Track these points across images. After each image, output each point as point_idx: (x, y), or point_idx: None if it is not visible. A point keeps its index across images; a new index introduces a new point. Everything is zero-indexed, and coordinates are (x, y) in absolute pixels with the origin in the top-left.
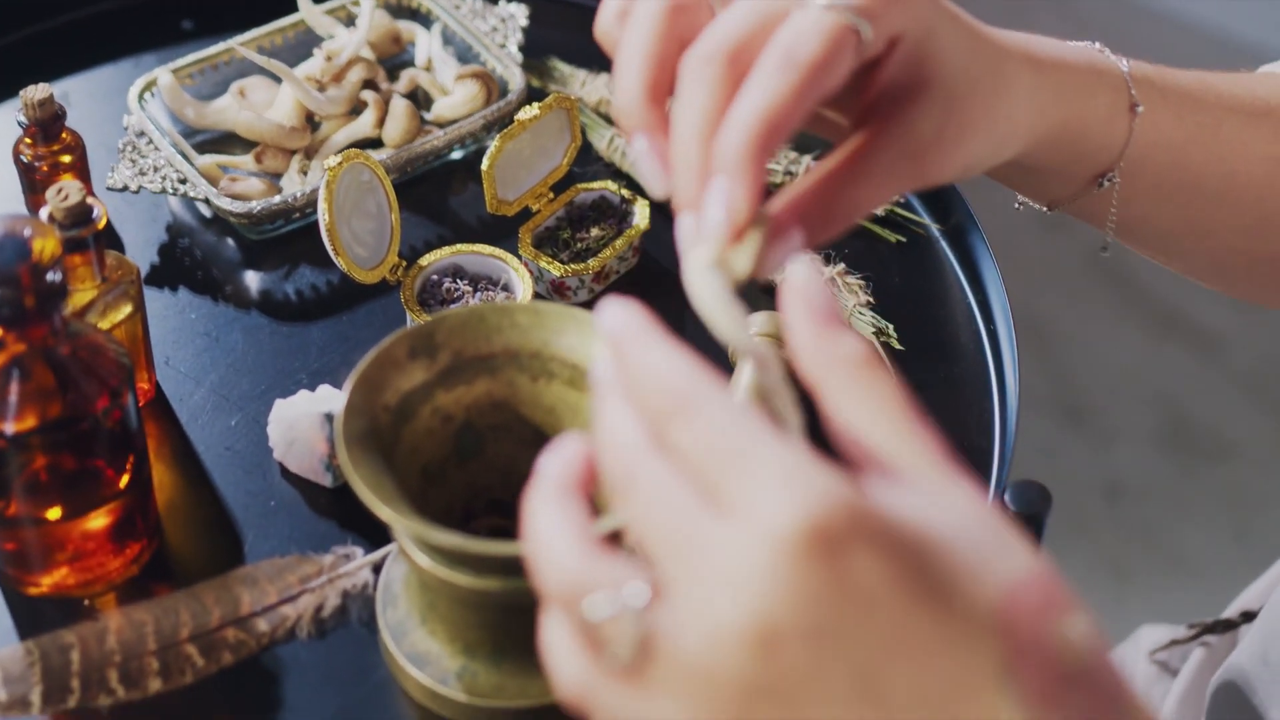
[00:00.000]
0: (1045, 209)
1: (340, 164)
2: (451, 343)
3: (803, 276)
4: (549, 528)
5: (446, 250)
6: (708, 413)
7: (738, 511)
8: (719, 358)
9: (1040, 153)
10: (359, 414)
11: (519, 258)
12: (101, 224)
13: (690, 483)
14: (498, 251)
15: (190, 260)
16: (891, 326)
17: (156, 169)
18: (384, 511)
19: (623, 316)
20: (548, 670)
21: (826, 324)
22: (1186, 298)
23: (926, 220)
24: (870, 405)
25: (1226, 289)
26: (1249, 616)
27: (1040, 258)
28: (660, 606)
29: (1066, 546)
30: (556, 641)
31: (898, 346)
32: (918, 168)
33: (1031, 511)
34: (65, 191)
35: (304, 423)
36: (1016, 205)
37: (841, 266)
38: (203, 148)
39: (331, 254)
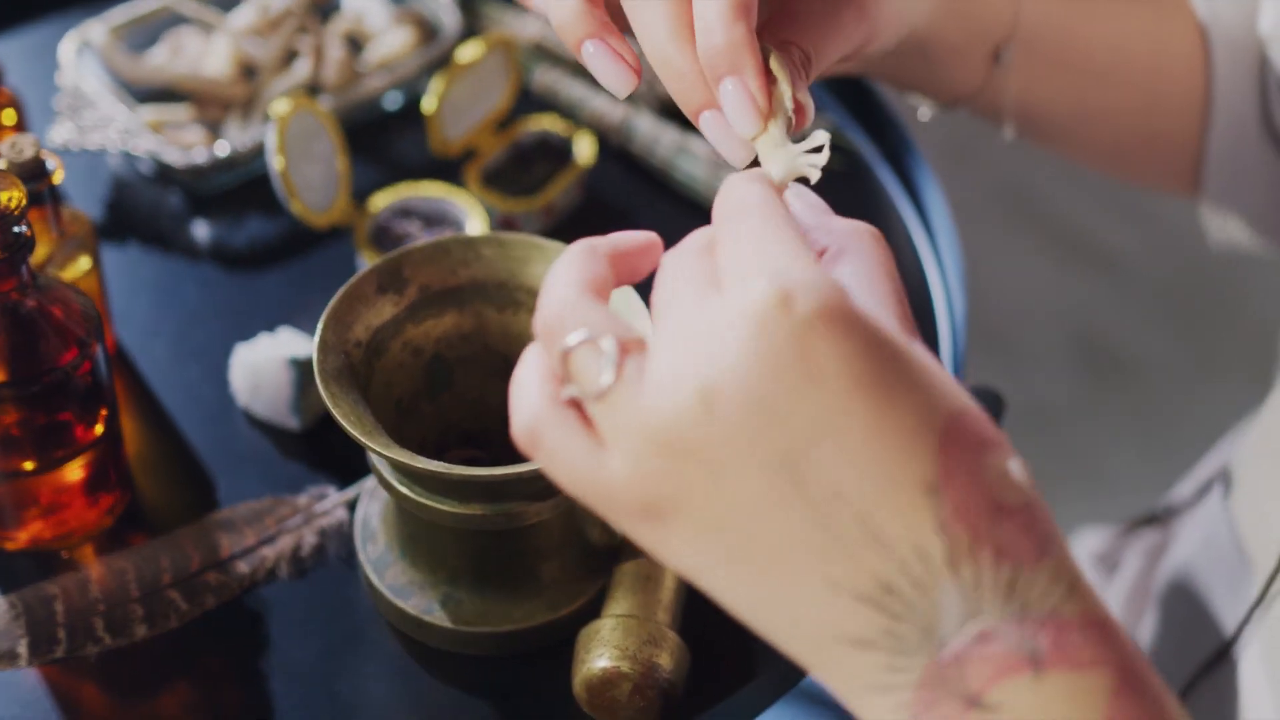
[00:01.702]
0: (949, 107)
1: (290, 110)
2: (418, 276)
3: (798, 196)
4: (563, 269)
5: (395, 192)
6: (748, 221)
7: (725, 288)
8: None
9: (939, 26)
10: (333, 350)
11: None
12: (57, 177)
13: (704, 273)
14: (447, 190)
15: (136, 215)
16: None
17: (98, 126)
18: (369, 445)
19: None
20: (511, 405)
21: (826, 211)
22: (1090, 220)
23: (860, 144)
24: (862, 265)
25: (1127, 174)
26: (1173, 511)
27: (946, 189)
28: (632, 356)
29: None
30: (526, 372)
31: None
32: (859, 9)
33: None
34: (19, 145)
35: (268, 367)
36: (921, 116)
37: None
38: (138, 102)
39: (285, 199)
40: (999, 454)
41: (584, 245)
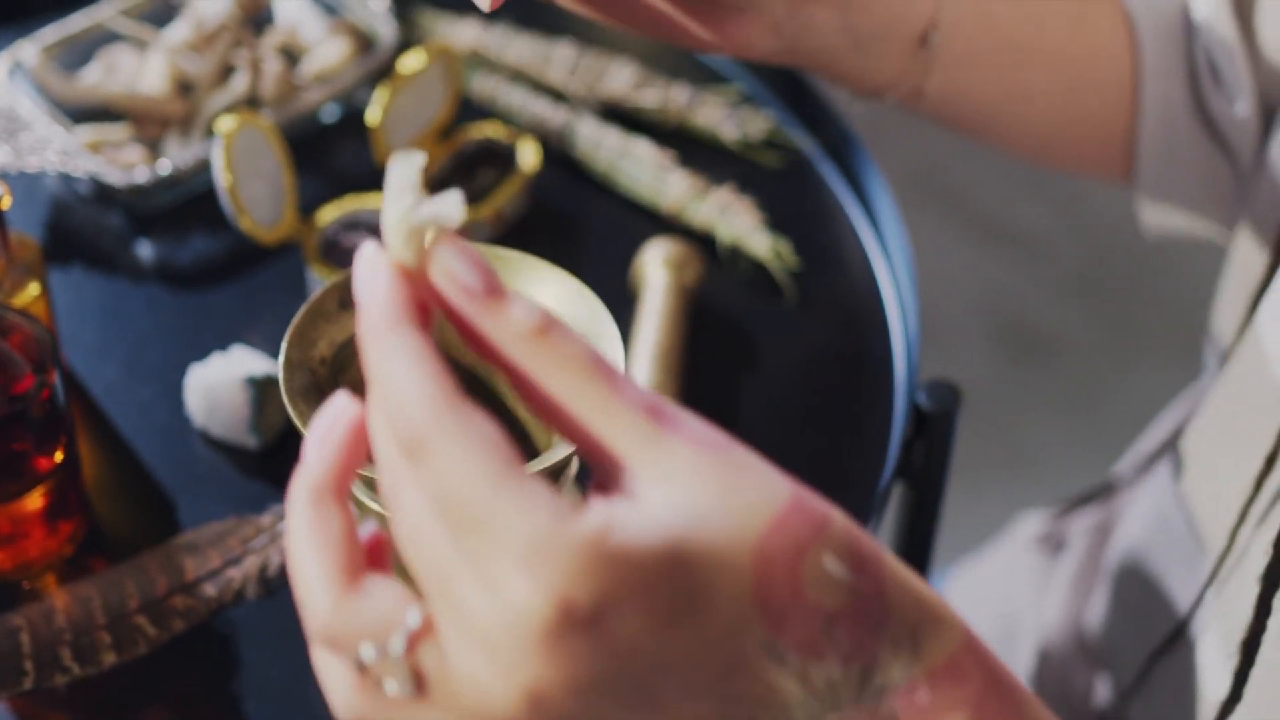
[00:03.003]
0: (869, 96)
1: (236, 126)
2: None
3: (447, 253)
4: (303, 567)
5: (341, 205)
6: (445, 457)
7: (489, 584)
8: (615, 295)
9: (860, 12)
10: (298, 369)
11: None
12: (6, 202)
13: (444, 522)
14: None
15: (78, 237)
16: (787, 244)
17: (35, 148)
18: None
19: (373, 297)
20: (327, 700)
21: (488, 299)
22: (1004, 201)
23: (800, 139)
24: (565, 379)
25: (1055, 161)
26: (1114, 487)
27: None
28: (429, 643)
29: None
30: (332, 678)
31: (793, 265)
32: None
33: (945, 409)
34: None
35: (224, 387)
36: (855, 106)
37: (730, 188)
38: (72, 122)
39: (233, 216)
40: (812, 558)
41: (304, 502)
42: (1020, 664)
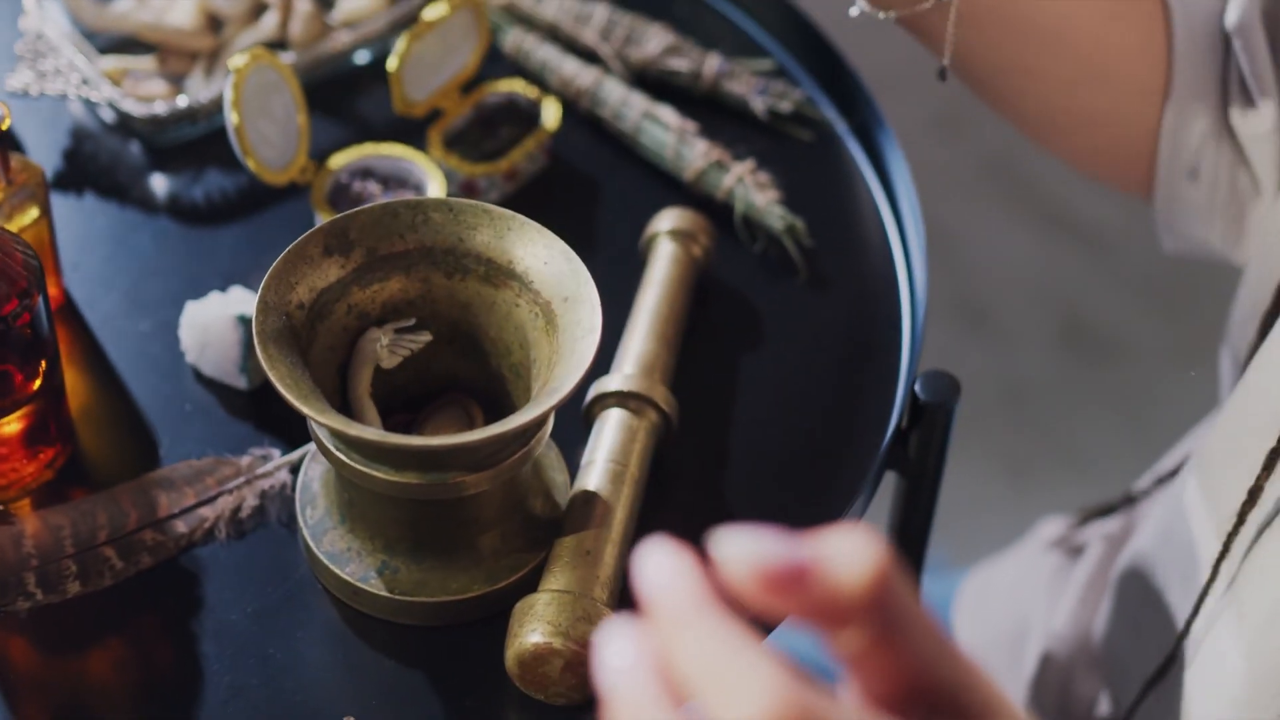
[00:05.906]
0: (881, 14)
1: (247, 64)
2: (365, 239)
3: (735, 548)
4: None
5: (355, 151)
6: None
7: None
8: (627, 260)
9: None
10: (273, 311)
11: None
12: (5, 124)
13: None
14: (408, 151)
15: (94, 165)
16: (801, 222)
17: (59, 72)
18: (304, 409)
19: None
20: None
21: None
22: (1078, 199)
23: (831, 117)
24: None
25: (1049, 144)
26: (1131, 499)
27: (934, 162)
28: None
29: (967, 445)
30: None
31: (807, 242)
32: None
33: (941, 401)
34: None
35: (217, 325)
36: (853, 13)
37: (751, 162)
38: (103, 51)
39: (240, 155)
40: None
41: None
42: (1026, 666)
